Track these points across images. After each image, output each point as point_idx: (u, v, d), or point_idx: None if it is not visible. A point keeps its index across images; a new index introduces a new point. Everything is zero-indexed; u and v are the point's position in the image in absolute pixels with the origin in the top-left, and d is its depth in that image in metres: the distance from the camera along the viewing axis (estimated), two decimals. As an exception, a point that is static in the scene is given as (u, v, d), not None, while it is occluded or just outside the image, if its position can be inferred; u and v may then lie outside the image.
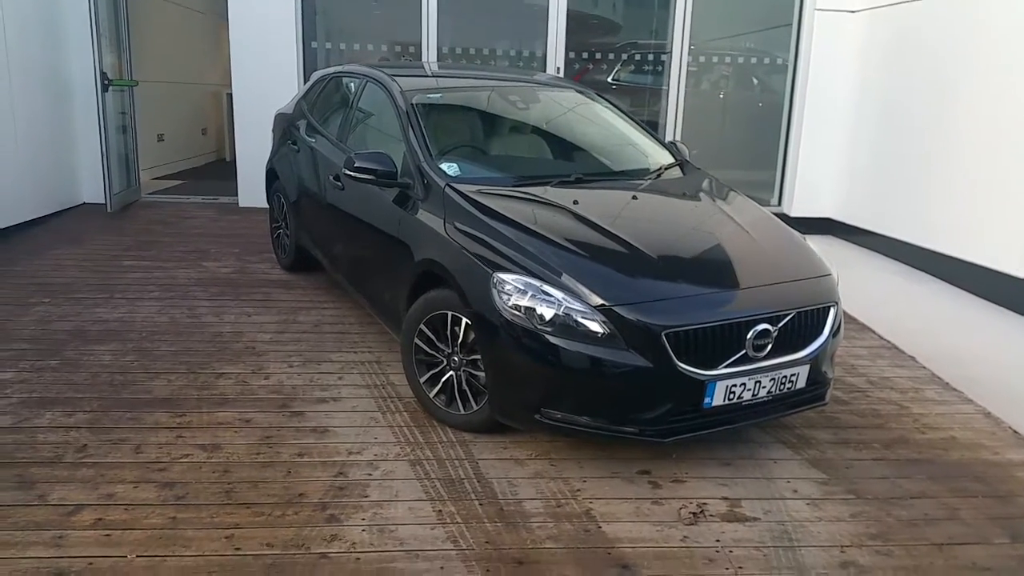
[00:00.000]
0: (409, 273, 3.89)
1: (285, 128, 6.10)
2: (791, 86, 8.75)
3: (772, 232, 3.90)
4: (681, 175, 4.54)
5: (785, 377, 3.36)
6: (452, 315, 3.61)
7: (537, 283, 3.26)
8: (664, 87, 8.86)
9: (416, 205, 3.99)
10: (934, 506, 3.27)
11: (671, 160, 4.69)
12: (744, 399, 3.29)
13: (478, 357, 3.56)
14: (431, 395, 3.80)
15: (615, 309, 3.16)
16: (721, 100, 9.35)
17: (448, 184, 3.90)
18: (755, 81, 9.34)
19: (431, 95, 4.80)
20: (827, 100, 8.40)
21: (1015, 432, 3.98)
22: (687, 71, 8.74)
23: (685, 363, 3.14)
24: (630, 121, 5.00)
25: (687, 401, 3.20)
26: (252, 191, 8.35)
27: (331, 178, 4.88)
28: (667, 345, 3.12)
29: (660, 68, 8.90)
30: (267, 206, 6.56)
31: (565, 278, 3.26)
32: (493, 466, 3.46)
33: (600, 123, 5.03)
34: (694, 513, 3.17)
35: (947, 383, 4.57)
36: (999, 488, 3.44)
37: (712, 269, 3.50)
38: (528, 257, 3.38)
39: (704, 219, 4.03)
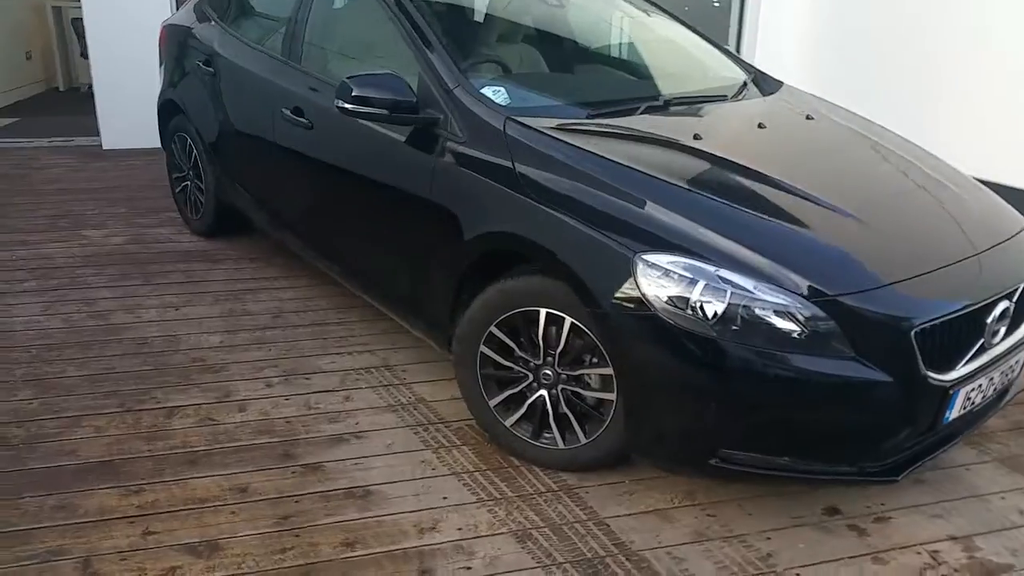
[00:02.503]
0: (458, 253, 2.70)
1: (183, 43, 4.53)
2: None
3: (942, 169, 2.97)
4: (765, 91, 3.50)
5: (1011, 367, 2.50)
6: (547, 313, 2.48)
7: (711, 268, 2.18)
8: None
9: (450, 149, 2.75)
10: None
11: (743, 73, 3.63)
12: (976, 404, 2.41)
13: (588, 372, 2.47)
14: (508, 423, 2.68)
15: (841, 300, 2.14)
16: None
17: (509, 117, 2.69)
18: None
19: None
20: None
21: None
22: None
23: (929, 369, 2.19)
24: (686, 25, 3.87)
25: (926, 420, 2.26)
26: (119, 129, 6.62)
27: (286, 112, 3.49)
28: (915, 347, 2.15)
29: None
30: (160, 150, 4.99)
31: (751, 256, 2.20)
32: (632, 528, 2.42)
33: (655, 27, 3.88)
34: (930, 565, 2.28)
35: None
36: None
37: (932, 231, 2.53)
38: (681, 226, 2.28)
39: (865, 154, 3.02)
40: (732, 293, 2.15)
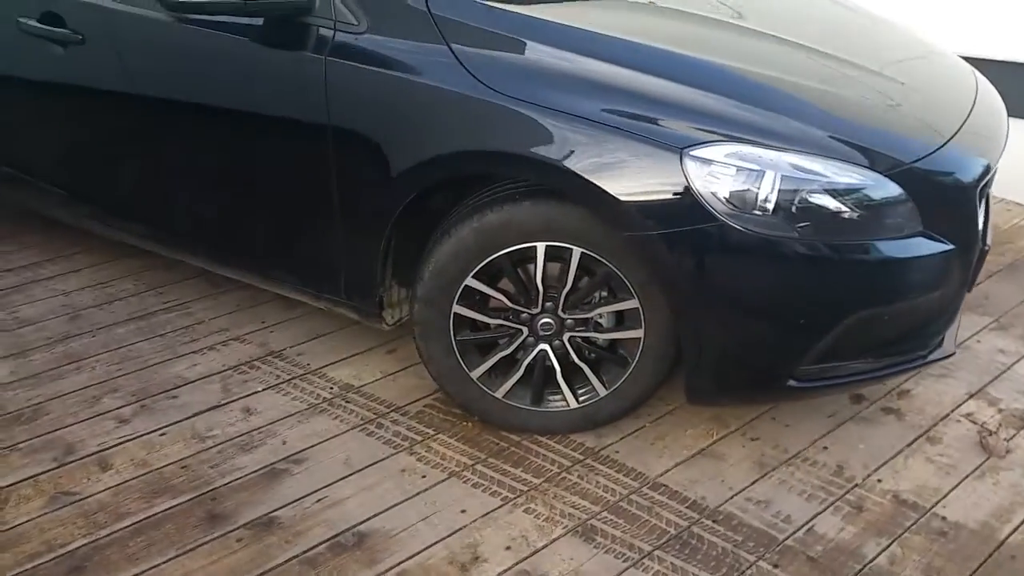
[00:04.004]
0: (388, 193, 1.99)
1: None
2: None
3: (906, 32, 2.71)
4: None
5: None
6: (546, 247, 1.90)
7: (776, 155, 1.74)
8: None
9: (343, 46, 1.96)
10: None
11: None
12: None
13: (610, 309, 1.98)
14: (501, 394, 2.10)
15: (918, 167, 1.82)
16: None
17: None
18: None
19: None
20: None
21: None
22: None
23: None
24: None
25: (967, 286, 2.08)
26: None
27: (28, 23, 2.36)
28: (977, 207, 1.93)
29: None
30: None
31: (812, 133, 1.79)
32: (693, 481, 2.03)
33: None
34: (981, 432, 2.19)
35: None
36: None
37: (941, 91, 2.24)
38: (725, 108, 1.79)
39: (861, 20, 2.63)
40: (805, 181, 1.74)
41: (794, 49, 2.12)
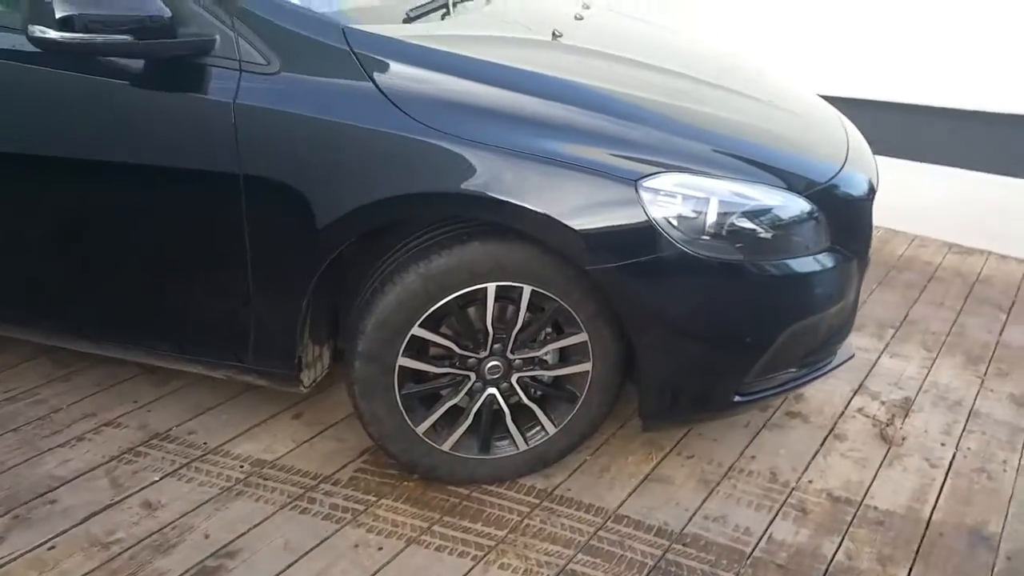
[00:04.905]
0: (315, 244, 1.82)
1: None
2: None
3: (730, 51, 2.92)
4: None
5: None
6: (497, 288, 1.84)
7: (719, 183, 1.81)
8: None
9: (251, 90, 1.78)
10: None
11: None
12: None
13: (559, 345, 1.95)
14: (447, 447, 1.99)
15: (830, 186, 1.97)
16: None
17: (347, 27, 1.83)
18: None
19: None
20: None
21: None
22: None
23: None
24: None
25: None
26: None
27: None
28: (871, 224, 2.13)
29: None
30: None
31: (739, 162, 1.88)
32: (650, 508, 2.04)
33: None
34: (876, 424, 2.40)
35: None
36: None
37: (819, 115, 2.41)
38: (660, 140, 1.83)
39: (685, 44, 2.77)
40: (736, 205, 1.82)
41: (708, 87, 2.22)
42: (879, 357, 2.78)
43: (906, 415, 2.47)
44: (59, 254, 2.03)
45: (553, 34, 2.21)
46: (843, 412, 2.47)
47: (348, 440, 2.19)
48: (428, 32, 2.05)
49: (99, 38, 1.66)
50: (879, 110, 3.76)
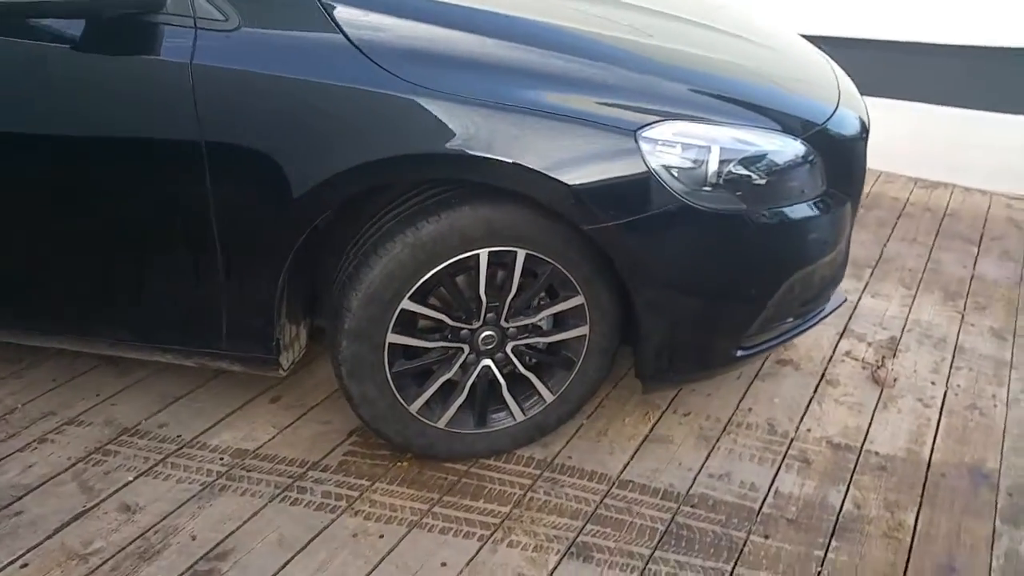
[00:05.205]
0: (290, 216, 1.67)
1: None
2: None
3: None
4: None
5: None
6: (490, 254, 1.73)
7: (720, 129, 1.71)
8: None
9: (209, 48, 1.61)
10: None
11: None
12: None
13: (556, 310, 1.85)
14: (443, 424, 1.89)
15: (827, 128, 1.89)
16: None
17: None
18: None
19: None
20: None
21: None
22: None
23: None
24: None
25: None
26: None
27: None
28: (865, 165, 2.07)
29: None
30: None
31: (738, 107, 1.78)
32: (653, 471, 1.98)
33: None
34: (867, 367, 2.38)
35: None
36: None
37: (808, 56, 2.32)
38: (658, 86, 1.73)
39: None
40: (736, 152, 1.73)
41: (697, 27, 2.11)
42: (860, 298, 2.77)
43: (894, 355, 2.46)
44: (1, 240, 1.84)
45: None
46: (832, 356, 2.45)
47: (333, 422, 2.07)
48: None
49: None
50: (839, 46, 3.70)
